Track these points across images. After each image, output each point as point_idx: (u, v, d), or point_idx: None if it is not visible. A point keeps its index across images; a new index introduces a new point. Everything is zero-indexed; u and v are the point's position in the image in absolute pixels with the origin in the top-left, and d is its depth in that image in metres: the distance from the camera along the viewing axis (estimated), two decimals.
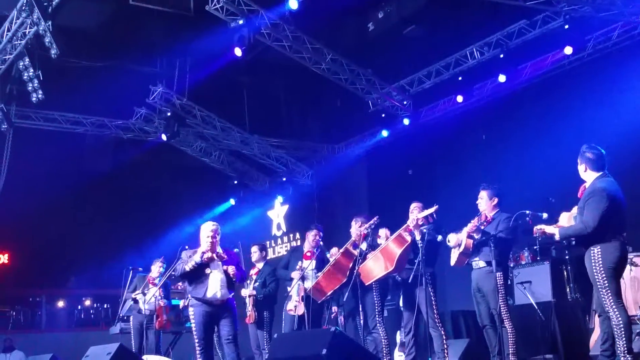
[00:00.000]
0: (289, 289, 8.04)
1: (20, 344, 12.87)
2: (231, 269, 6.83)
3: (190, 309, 6.85)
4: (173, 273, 9.17)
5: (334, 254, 8.13)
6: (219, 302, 6.79)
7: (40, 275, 14.90)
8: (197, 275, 6.78)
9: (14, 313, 16.21)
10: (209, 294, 6.73)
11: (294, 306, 7.90)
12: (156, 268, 9.83)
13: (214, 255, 6.81)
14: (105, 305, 16.36)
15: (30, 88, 10.90)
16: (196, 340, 6.74)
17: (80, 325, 16.31)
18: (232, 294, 7.02)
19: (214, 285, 6.75)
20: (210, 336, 6.94)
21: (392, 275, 7.20)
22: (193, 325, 6.80)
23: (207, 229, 6.89)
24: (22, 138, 12.59)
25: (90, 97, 12.51)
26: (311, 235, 8.22)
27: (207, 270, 6.78)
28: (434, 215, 6.88)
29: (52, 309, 16.83)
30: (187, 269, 6.75)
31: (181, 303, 9.63)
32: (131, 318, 9.79)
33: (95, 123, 13.83)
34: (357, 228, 7.46)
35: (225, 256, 6.94)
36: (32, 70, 10.72)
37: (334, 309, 9.20)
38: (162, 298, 9.41)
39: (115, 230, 14.47)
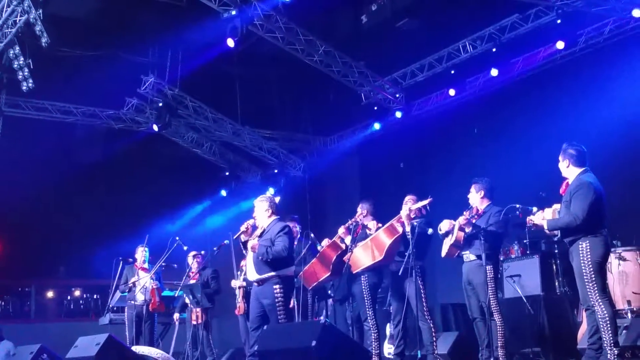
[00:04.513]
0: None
1: (9, 334, 12.77)
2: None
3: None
4: (163, 264, 9.23)
5: (326, 245, 8.10)
6: None
7: (29, 265, 14.79)
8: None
9: (3, 303, 16.13)
10: None
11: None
12: (140, 253, 9.80)
13: None
14: (95, 296, 16.29)
15: (20, 77, 10.78)
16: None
17: (70, 315, 16.23)
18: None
19: None
20: None
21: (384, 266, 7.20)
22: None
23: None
24: (12, 127, 12.49)
25: (81, 87, 12.41)
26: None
27: None
28: (427, 208, 6.88)
29: (41, 299, 16.73)
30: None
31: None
32: (126, 309, 9.75)
33: (86, 113, 13.74)
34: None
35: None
36: (22, 58, 10.60)
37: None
38: (153, 280, 9.40)
39: (105, 220, 14.37)
